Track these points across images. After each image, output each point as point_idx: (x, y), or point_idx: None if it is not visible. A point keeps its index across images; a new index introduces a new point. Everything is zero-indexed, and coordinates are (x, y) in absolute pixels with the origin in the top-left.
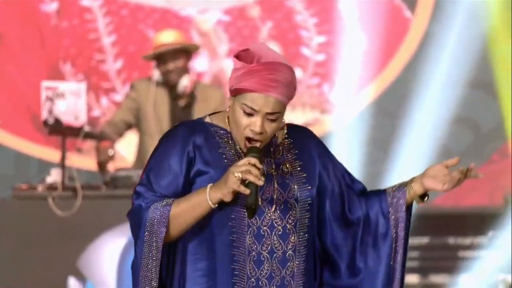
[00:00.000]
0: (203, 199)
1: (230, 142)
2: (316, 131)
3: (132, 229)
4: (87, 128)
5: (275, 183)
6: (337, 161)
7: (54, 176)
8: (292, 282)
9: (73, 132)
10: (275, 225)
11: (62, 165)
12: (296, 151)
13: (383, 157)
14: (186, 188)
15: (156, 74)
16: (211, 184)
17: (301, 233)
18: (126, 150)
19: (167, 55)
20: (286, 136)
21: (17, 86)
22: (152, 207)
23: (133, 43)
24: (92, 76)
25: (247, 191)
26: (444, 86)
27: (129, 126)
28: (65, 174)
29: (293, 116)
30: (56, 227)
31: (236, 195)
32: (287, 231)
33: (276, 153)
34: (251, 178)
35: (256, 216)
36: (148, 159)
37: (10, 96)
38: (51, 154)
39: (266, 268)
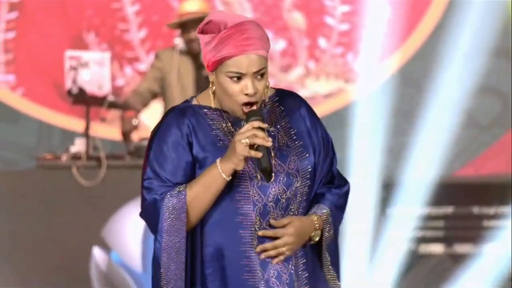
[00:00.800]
0: (216, 174)
1: (221, 121)
2: (341, 100)
3: (150, 224)
4: (111, 98)
5: (274, 158)
6: (327, 139)
7: (78, 146)
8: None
9: (97, 101)
10: (280, 198)
11: (86, 134)
12: (288, 119)
13: (407, 127)
14: (193, 171)
15: (180, 43)
16: (220, 158)
17: (301, 201)
18: (150, 119)
19: (190, 24)
20: (277, 102)
21: (40, 56)
22: (167, 196)
23: (157, 12)
24: (116, 46)
25: (259, 154)
26: (468, 55)
27: (154, 96)
28: (89, 144)
29: (318, 85)
30: (81, 196)
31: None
32: (289, 201)
33: (268, 123)
34: (258, 141)
35: (261, 194)
36: (146, 153)
37: (34, 66)
38: (75, 124)
39: (268, 242)
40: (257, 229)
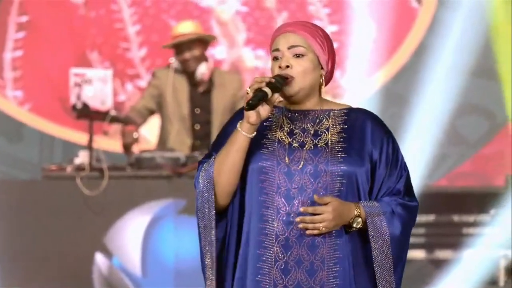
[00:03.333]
0: (237, 133)
1: (280, 115)
2: None
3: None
4: (113, 113)
5: (307, 150)
6: (395, 165)
7: (82, 158)
8: (324, 243)
9: (100, 116)
10: (306, 188)
11: (89, 147)
12: (346, 126)
13: None
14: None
15: (175, 62)
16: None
17: (334, 194)
18: (150, 133)
19: (183, 45)
20: (344, 115)
21: (47, 73)
22: (203, 169)
23: (156, 32)
24: (117, 63)
25: (251, 95)
26: (451, 72)
27: (151, 112)
28: (92, 156)
29: None
30: (84, 205)
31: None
32: (317, 193)
33: (321, 126)
34: (255, 85)
35: (286, 178)
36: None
37: (40, 82)
38: (79, 137)
39: (295, 229)
40: (280, 211)
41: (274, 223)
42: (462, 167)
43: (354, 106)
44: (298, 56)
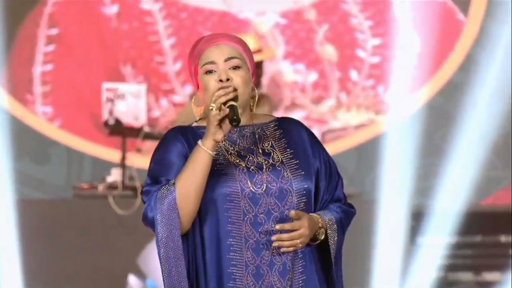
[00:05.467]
0: (200, 152)
1: None
2: (371, 131)
3: (152, 227)
4: (146, 129)
5: (266, 171)
6: (328, 159)
7: (114, 176)
8: (293, 267)
9: (133, 132)
10: (272, 211)
11: (122, 165)
12: (286, 141)
13: (436, 158)
14: None
15: None
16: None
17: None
18: None
19: None
20: (276, 126)
21: (77, 87)
22: (159, 195)
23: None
24: (151, 78)
25: (226, 111)
26: (497, 87)
27: None
28: (125, 174)
29: (349, 116)
30: (116, 225)
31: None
32: (284, 216)
33: (264, 143)
34: (222, 99)
35: (251, 203)
36: (149, 168)
37: (71, 97)
38: (111, 154)
39: (266, 255)
40: (248, 239)
41: (242, 252)
42: (509, 185)
43: (281, 116)
44: (234, 68)
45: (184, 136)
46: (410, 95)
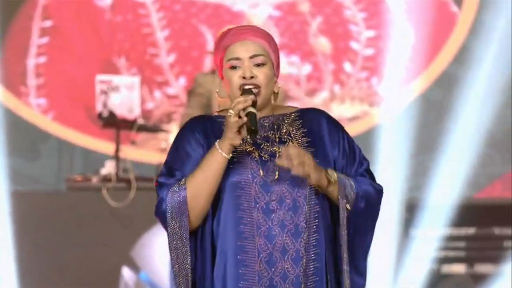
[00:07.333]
0: (216, 154)
1: None
2: (365, 123)
3: (162, 222)
4: (140, 121)
5: (278, 158)
6: (352, 147)
7: (108, 168)
8: (306, 254)
9: (127, 125)
10: (285, 199)
11: (116, 157)
12: (305, 130)
13: (430, 150)
14: None
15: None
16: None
17: (312, 204)
18: None
19: None
20: (297, 117)
21: (71, 79)
22: (170, 191)
23: (186, 37)
24: (145, 70)
25: (245, 119)
26: (490, 78)
27: None
28: (119, 166)
29: (343, 108)
30: (110, 217)
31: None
32: (297, 204)
33: (282, 131)
34: (240, 106)
35: (263, 190)
36: (166, 157)
37: (65, 90)
38: (104, 146)
39: (279, 241)
40: (260, 226)
41: (254, 239)
42: (504, 178)
43: (308, 107)
44: (259, 65)
45: (202, 125)
46: (404, 87)
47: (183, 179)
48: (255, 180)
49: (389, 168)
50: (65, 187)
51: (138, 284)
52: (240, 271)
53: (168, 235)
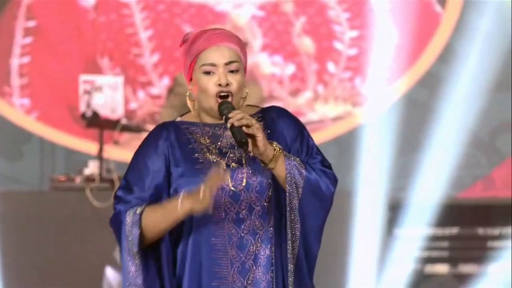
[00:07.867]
0: (175, 208)
1: (199, 134)
2: (349, 123)
3: (116, 235)
4: (124, 121)
5: (246, 166)
6: (307, 140)
7: (91, 168)
8: (275, 259)
9: (110, 124)
10: (254, 206)
11: (99, 157)
12: (268, 131)
13: (413, 150)
14: (167, 183)
15: None
16: (185, 193)
17: (282, 205)
18: None
19: None
20: (260, 118)
21: (55, 80)
22: (128, 213)
23: (169, 37)
24: (129, 70)
25: (214, 192)
26: (474, 78)
27: None
28: (102, 166)
29: (326, 108)
30: (94, 217)
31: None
32: (266, 210)
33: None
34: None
35: (232, 200)
36: (127, 168)
37: (48, 90)
38: (88, 146)
39: (251, 249)
40: (232, 237)
41: (227, 250)
42: (487, 178)
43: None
44: (233, 71)
45: (167, 132)
46: (388, 87)
47: (142, 206)
48: (224, 191)
49: (372, 168)
50: (48, 187)
51: (121, 284)
52: (214, 284)
53: (120, 249)
